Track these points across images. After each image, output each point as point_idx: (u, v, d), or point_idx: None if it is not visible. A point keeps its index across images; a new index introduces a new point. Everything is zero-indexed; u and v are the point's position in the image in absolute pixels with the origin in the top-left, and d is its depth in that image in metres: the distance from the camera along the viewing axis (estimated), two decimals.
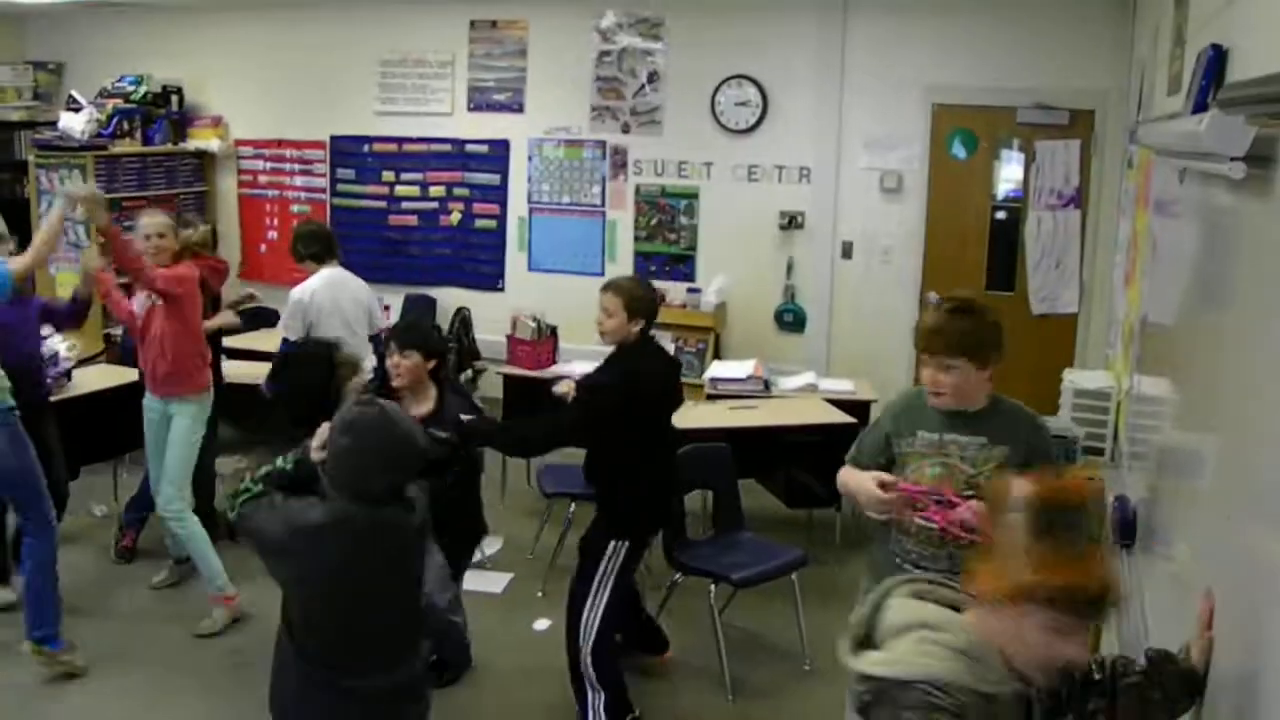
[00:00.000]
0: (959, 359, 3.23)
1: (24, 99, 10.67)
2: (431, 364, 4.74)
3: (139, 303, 5.79)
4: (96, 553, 6.33)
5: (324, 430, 3.15)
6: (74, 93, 9.90)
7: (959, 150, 7.96)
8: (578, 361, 7.01)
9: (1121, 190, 6.89)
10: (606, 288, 4.57)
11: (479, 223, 9.37)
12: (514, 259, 9.28)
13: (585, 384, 4.65)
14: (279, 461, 3.25)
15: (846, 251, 8.26)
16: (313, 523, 3.03)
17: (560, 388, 4.91)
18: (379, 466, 3.04)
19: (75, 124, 9.53)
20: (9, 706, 4.85)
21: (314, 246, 6.24)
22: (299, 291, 6.06)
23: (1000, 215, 7.95)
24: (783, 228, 8.37)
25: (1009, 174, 7.93)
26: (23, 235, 9.70)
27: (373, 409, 3.11)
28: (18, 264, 5.06)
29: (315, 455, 3.16)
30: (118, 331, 8.71)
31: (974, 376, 3.27)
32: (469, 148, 9.33)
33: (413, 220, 9.57)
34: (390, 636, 3.19)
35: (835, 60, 8.11)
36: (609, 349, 4.61)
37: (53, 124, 9.83)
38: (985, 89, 7.74)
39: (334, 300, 6.07)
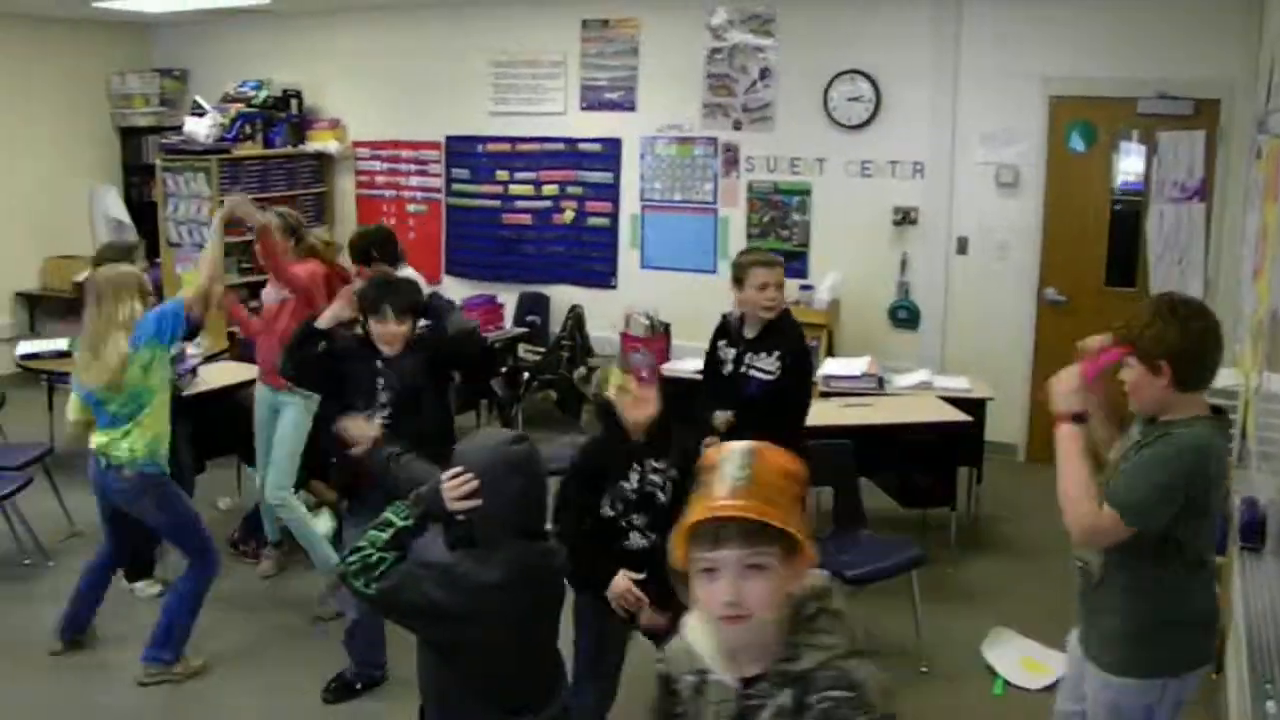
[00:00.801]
0: None
1: (151, 105, 11.01)
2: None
3: (269, 295, 5.99)
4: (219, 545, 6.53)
5: (462, 478, 2.86)
6: (198, 98, 10.19)
7: (1077, 143, 7.82)
8: (690, 359, 7.03)
9: (1249, 181, 6.72)
10: (775, 263, 4.83)
11: (592, 221, 9.44)
12: (626, 256, 9.34)
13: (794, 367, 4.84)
14: (393, 518, 2.91)
15: (962, 247, 8.16)
16: (494, 581, 2.80)
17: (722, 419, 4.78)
18: (541, 501, 2.95)
19: (200, 128, 9.81)
20: (155, 703, 5.03)
21: (390, 248, 6.37)
22: None
23: (1120, 209, 7.78)
24: (896, 223, 8.30)
25: (1129, 166, 7.75)
26: (151, 237, 10.08)
27: (524, 445, 2.93)
28: (190, 295, 5.07)
29: (460, 505, 2.85)
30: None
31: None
32: (581, 146, 9.40)
33: (526, 219, 9.67)
34: (552, 668, 3.11)
35: (950, 53, 8.01)
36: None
37: (178, 129, 10.14)
38: (1105, 79, 7.57)
39: None
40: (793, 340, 4.95)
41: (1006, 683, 5.09)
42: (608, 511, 3.93)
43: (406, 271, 6.32)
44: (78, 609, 5.33)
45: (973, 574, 6.24)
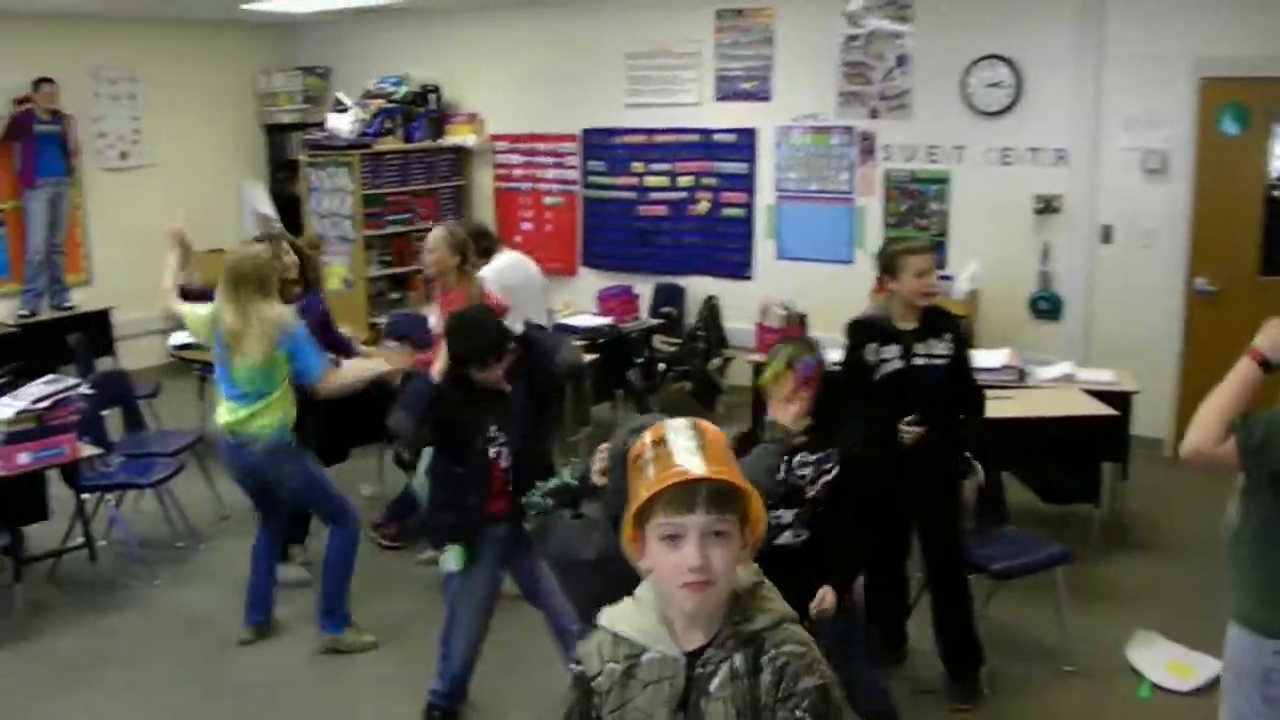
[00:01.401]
0: None
1: (295, 103, 11.32)
2: None
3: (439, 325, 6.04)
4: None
5: (603, 455, 3.00)
6: (340, 95, 10.45)
7: (1230, 126, 7.56)
8: (827, 350, 6.98)
9: None
10: (929, 249, 4.84)
11: (727, 211, 9.44)
12: (762, 247, 9.32)
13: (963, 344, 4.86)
14: (565, 475, 3.24)
15: (1106, 236, 7.96)
16: (587, 560, 2.98)
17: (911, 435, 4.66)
18: None
19: (342, 124, 10.06)
20: (305, 678, 5.20)
21: (484, 241, 6.47)
22: (491, 271, 6.29)
23: (1277, 195, 7.51)
24: (1038, 212, 8.14)
25: None
26: (295, 231, 10.37)
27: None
28: (333, 377, 5.36)
29: (597, 479, 3.06)
30: (383, 319, 9.16)
31: None
32: (716, 137, 9.41)
33: (662, 210, 9.72)
34: None
35: (1094, 34, 7.80)
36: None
37: (321, 125, 10.42)
38: (1260, 59, 7.27)
39: (524, 277, 6.27)
40: (951, 319, 4.93)
41: (1154, 686, 4.98)
42: None
43: (504, 259, 6.32)
44: (259, 594, 5.51)
45: (1117, 573, 6.11)
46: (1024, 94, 8.13)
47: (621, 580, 2.89)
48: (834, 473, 3.95)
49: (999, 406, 6.28)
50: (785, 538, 3.92)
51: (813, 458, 3.95)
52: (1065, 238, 8.12)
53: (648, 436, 2.04)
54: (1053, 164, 8.08)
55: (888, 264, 4.80)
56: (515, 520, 4.22)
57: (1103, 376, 6.76)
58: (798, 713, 1.96)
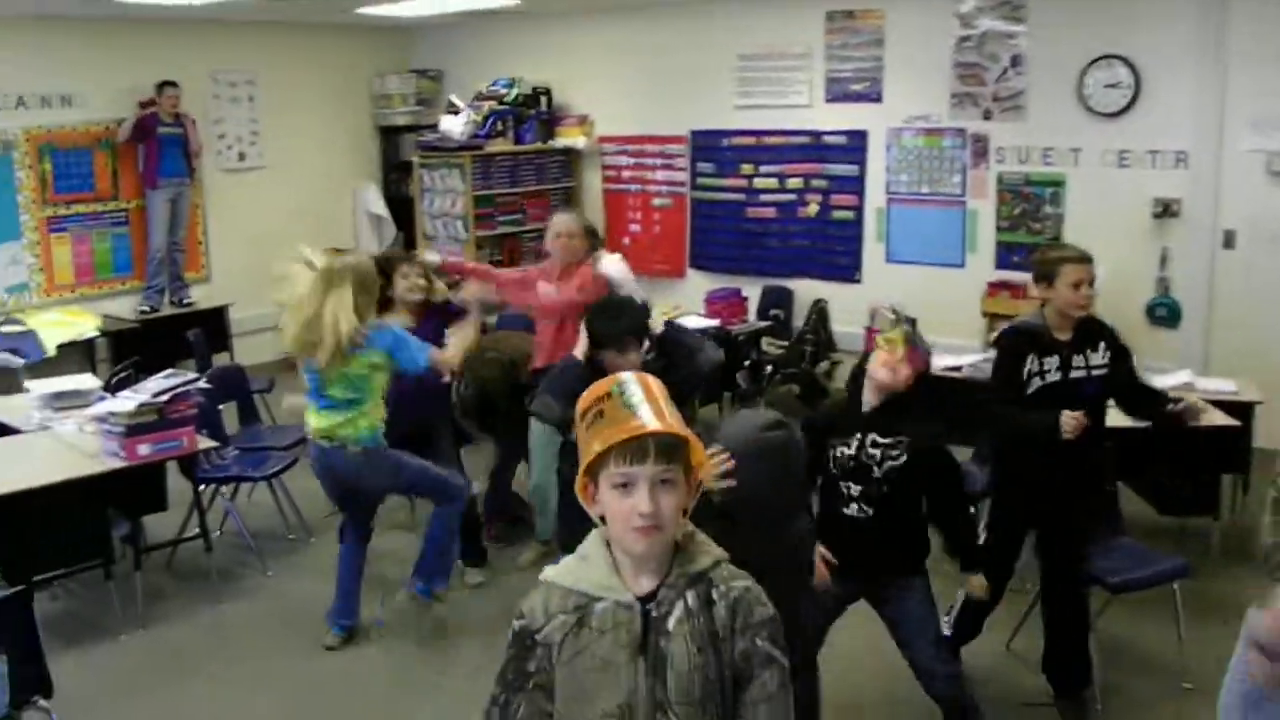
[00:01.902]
0: None
1: (409, 105, 11.48)
2: None
3: (549, 291, 6.09)
4: None
5: (720, 457, 2.93)
6: (453, 97, 10.57)
7: None
8: (937, 355, 6.90)
9: None
10: (1088, 259, 4.63)
11: (836, 214, 9.37)
12: (871, 250, 9.23)
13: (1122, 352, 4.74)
14: None
15: (1228, 241, 7.75)
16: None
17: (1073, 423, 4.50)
18: (790, 488, 2.98)
19: (454, 126, 10.16)
20: (412, 677, 5.26)
21: (593, 239, 6.48)
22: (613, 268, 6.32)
23: None
24: (1156, 216, 7.94)
25: None
26: (408, 231, 10.52)
27: (780, 431, 2.93)
28: (438, 356, 5.34)
29: (712, 483, 2.89)
30: (492, 320, 9.24)
31: None
32: (826, 139, 9.34)
33: (771, 212, 9.67)
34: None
35: (1215, 34, 7.59)
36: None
37: (434, 127, 10.53)
38: None
39: (627, 277, 6.29)
40: (1106, 329, 4.79)
41: None
42: (832, 470, 4.08)
43: (610, 258, 6.36)
44: (346, 600, 5.57)
45: (1236, 588, 5.90)
46: (1143, 94, 7.94)
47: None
48: (900, 460, 4.02)
49: (1115, 416, 6.15)
50: (851, 509, 4.07)
51: (884, 440, 4.03)
52: (1185, 243, 7.91)
53: (594, 393, 2.17)
54: (1172, 166, 7.89)
55: (1043, 271, 4.61)
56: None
57: (1223, 386, 6.57)
58: (758, 641, 2.13)
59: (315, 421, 5.28)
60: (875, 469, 4.04)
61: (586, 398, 2.18)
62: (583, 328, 4.43)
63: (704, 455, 2.17)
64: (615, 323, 4.43)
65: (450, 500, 5.48)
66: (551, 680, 2.16)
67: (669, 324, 4.59)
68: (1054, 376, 4.56)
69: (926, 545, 4.24)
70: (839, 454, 4.07)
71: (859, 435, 4.05)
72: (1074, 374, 4.58)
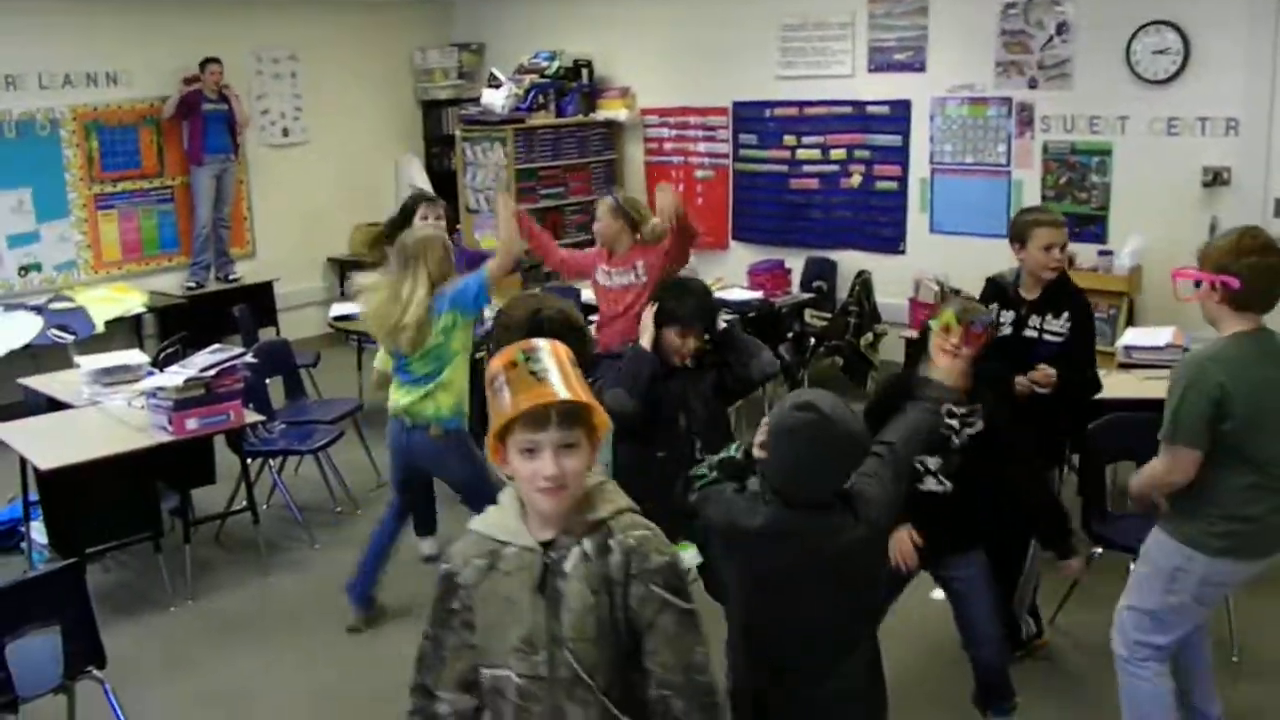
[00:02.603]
0: None
1: (450, 79, 11.49)
2: None
3: (606, 277, 5.89)
4: None
5: (764, 427, 3.00)
6: (494, 70, 10.57)
7: None
8: None
9: None
10: (1060, 223, 4.86)
11: (879, 184, 9.30)
12: (915, 221, 9.16)
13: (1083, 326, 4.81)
14: (732, 448, 3.19)
15: (1279, 210, 7.65)
16: (752, 528, 2.96)
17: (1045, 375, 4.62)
18: (817, 474, 2.92)
19: (496, 99, 10.16)
20: None
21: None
22: None
23: None
24: (1205, 184, 7.83)
25: None
26: (451, 204, 10.50)
27: (810, 414, 2.90)
28: (494, 266, 5.16)
29: (757, 453, 3.03)
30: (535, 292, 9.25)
31: None
32: (870, 109, 9.27)
33: (813, 183, 9.62)
34: (818, 647, 3.08)
35: None
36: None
37: (476, 100, 10.55)
38: None
39: None
40: (1079, 301, 4.90)
41: None
42: None
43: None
44: (368, 580, 5.54)
45: None
46: (1192, 61, 7.82)
47: (787, 551, 2.96)
48: (978, 427, 3.96)
49: (1163, 387, 6.06)
50: (929, 483, 4.01)
51: (960, 410, 3.95)
52: (1235, 211, 7.78)
53: (501, 360, 2.30)
54: (1223, 134, 7.77)
55: (1017, 233, 4.88)
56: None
57: None
58: (652, 587, 2.28)
59: (397, 397, 5.24)
60: (954, 438, 3.97)
61: (494, 363, 2.32)
62: (647, 313, 4.34)
63: (605, 419, 2.33)
64: (684, 302, 4.35)
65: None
66: (472, 617, 2.39)
67: (730, 325, 4.51)
68: (1006, 330, 4.83)
69: (995, 516, 4.20)
70: None
71: None
72: (1027, 333, 4.78)
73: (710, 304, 4.41)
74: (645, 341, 4.24)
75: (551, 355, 2.31)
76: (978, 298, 4.84)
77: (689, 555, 4.11)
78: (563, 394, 2.23)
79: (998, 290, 4.97)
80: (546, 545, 2.32)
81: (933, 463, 4.01)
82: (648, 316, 4.26)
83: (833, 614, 3.06)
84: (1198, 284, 3.76)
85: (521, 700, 2.34)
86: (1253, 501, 3.68)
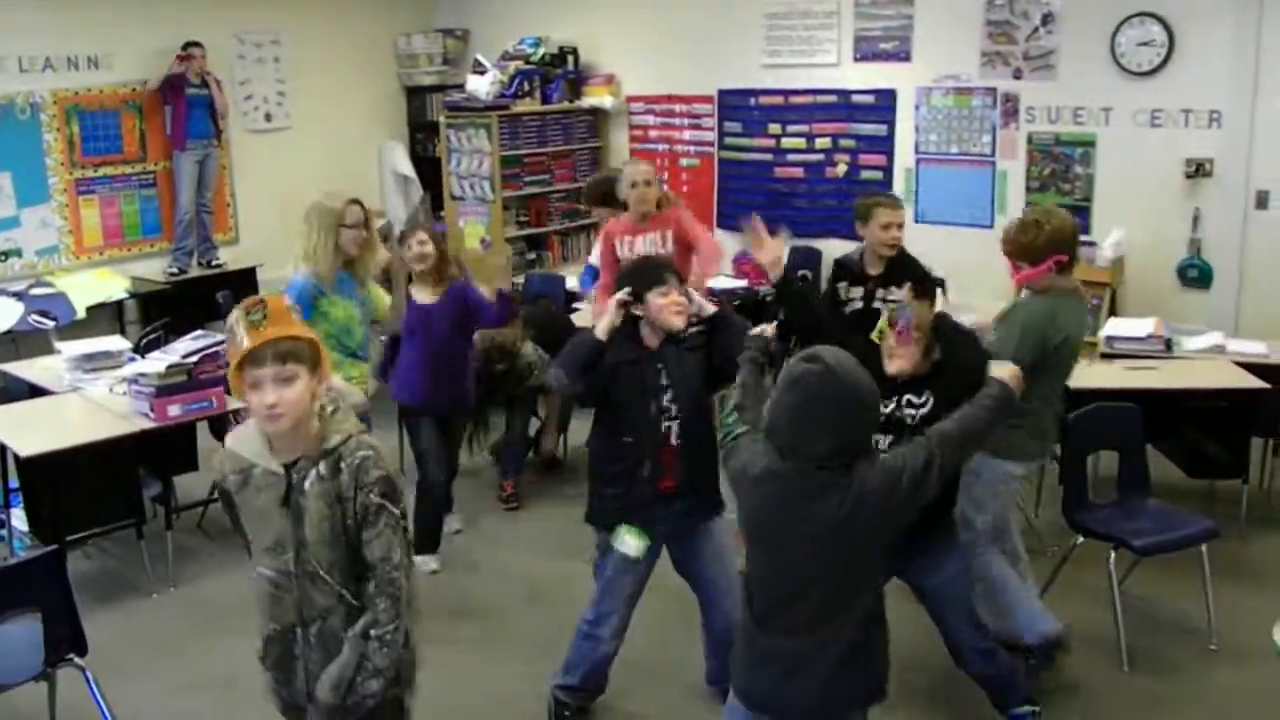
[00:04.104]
0: None
1: (434, 65, 11.45)
2: None
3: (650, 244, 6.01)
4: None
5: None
6: (479, 56, 10.52)
7: None
8: (966, 314, 6.85)
9: None
10: (899, 205, 5.57)
11: (865, 174, 9.31)
12: None
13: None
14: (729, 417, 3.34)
15: (1261, 201, 7.66)
16: (752, 474, 3.08)
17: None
18: (814, 423, 2.96)
19: (481, 86, 10.12)
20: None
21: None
22: None
23: None
24: (1189, 176, 7.87)
25: None
26: (435, 191, 10.53)
27: (815, 365, 2.96)
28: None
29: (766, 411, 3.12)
30: (520, 280, 9.23)
31: None
32: (855, 98, 9.27)
33: (799, 172, 9.62)
34: (809, 597, 3.11)
35: None
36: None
37: (460, 87, 10.51)
38: None
39: None
40: (917, 270, 5.28)
41: None
42: None
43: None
44: None
45: (1265, 551, 5.91)
46: (1176, 53, 7.85)
47: (779, 499, 3.07)
48: (928, 407, 4.04)
49: (1144, 377, 6.14)
50: None
51: (919, 400, 4.08)
52: (1217, 203, 7.84)
53: (235, 313, 2.78)
54: (1206, 126, 7.81)
55: (860, 213, 5.51)
56: (685, 500, 4.20)
57: (1255, 348, 6.51)
58: (371, 495, 2.81)
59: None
60: (908, 420, 4.05)
61: (231, 317, 2.80)
62: (611, 300, 4.25)
63: (325, 351, 2.86)
64: (644, 267, 4.37)
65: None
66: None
67: (724, 307, 4.51)
68: (858, 305, 5.41)
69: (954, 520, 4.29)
70: None
71: (894, 398, 4.06)
72: (875, 304, 5.24)
73: (668, 263, 4.42)
74: (600, 329, 4.18)
75: (270, 306, 2.80)
76: (828, 280, 5.35)
77: (635, 542, 4.16)
78: (273, 334, 2.74)
79: (845, 269, 5.47)
80: (290, 466, 2.82)
81: (884, 442, 3.98)
82: (612, 303, 4.22)
83: (822, 568, 3.09)
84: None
85: (276, 590, 2.94)
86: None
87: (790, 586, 3.13)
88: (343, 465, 2.81)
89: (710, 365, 4.28)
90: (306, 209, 5.19)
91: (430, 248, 5.62)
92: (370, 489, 2.80)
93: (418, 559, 5.88)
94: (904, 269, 5.32)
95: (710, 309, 4.30)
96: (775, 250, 4.64)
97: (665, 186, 6.43)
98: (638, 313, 4.19)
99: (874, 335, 4.09)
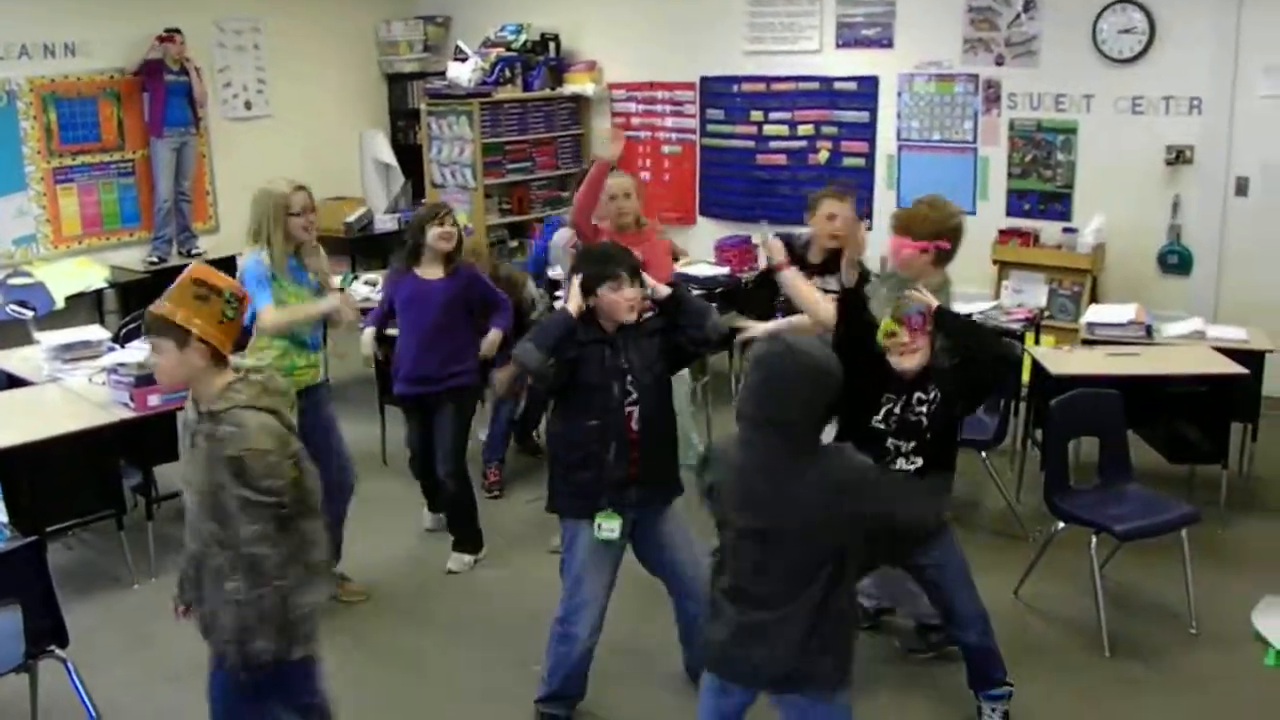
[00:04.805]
0: None
1: (415, 52, 11.38)
2: None
3: None
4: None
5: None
6: (460, 43, 10.48)
7: None
8: (960, 303, 6.86)
9: None
10: (846, 197, 5.48)
11: (847, 161, 9.31)
12: (883, 197, 9.16)
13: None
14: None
15: (1241, 188, 7.70)
16: (724, 448, 3.31)
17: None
18: (776, 395, 3.15)
19: (462, 73, 10.09)
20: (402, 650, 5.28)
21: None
22: None
23: None
24: (1169, 163, 7.89)
25: None
26: (416, 179, 10.49)
27: (777, 345, 3.20)
28: (263, 319, 4.97)
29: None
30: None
31: None
32: (837, 85, 9.26)
33: (781, 159, 9.61)
34: (770, 573, 3.20)
35: None
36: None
37: (441, 74, 10.47)
38: None
39: None
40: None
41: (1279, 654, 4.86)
42: (878, 427, 4.11)
43: None
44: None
45: (1245, 536, 5.95)
46: (1157, 40, 7.87)
47: (745, 475, 3.21)
48: (936, 403, 4.08)
49: (1125, 363, 6.16)
50: (900, 464, 4.12)
51: (928, 396, 4.09)
52: (1197, 190, 7.87)
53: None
54: (1186, 113, 7.83)
55: (809, 204, 5.51)
56: (644, 485, 4.18)
57: (1234, 334, 6.54)
58: (224, 472, 3.13)
59: None
60: (924, 420, 4.08)
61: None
62: (574, 283, 4.21)
63: (189, 328, 3.17)
64: (599, 258, 4.26)
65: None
66: None
67: (677, 287, 4.46)
68: None
69: None
70: (885, 412, 4.09)
71: (903, 396, 4.08)
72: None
73: (624, 256, 4.32)
74: (572, 306, 4.15)
75: (178, 282, 3.24)
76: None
77: (609, 525, 4.13)
78: (151, 309, 3.23)
79: (789, 247, 5.34)
80: (205, 415, 3.22)
81: (906, 446, 4.11)
82: (575, 284, 4.20)
83: (784, 548, 3.18)
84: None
85: (188, 518, 3.33)
86: None
87: (754, 561, 3.22)
88: (219, 432, 3.15)
89: (669, 347, 4.25)
90: (253, 195, 5.05)
91: (454, 229, 5.64)
92: (225, 465, 3.13)
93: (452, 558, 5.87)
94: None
95: (664, 291, 4.23)
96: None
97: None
98: (589, 303, 4.15)
99: (880, 336, 4.00)
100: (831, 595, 3.19)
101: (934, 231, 4.62)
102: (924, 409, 4.08)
